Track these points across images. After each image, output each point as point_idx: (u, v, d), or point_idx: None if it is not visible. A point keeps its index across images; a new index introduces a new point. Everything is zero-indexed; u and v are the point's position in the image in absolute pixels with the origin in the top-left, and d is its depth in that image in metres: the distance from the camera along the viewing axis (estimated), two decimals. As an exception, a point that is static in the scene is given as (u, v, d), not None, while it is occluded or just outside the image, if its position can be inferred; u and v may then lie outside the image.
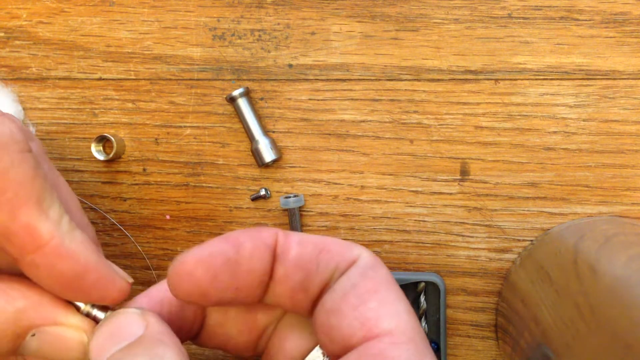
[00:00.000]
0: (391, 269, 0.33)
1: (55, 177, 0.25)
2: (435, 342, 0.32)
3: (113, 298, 0.23)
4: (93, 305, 0.23)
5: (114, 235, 0.34)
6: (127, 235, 0.34)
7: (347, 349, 0.20)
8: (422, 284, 0.32)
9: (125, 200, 0.34)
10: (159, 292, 0.23)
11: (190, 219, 0.34)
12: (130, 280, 0.23)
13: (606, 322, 0.21)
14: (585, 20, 0.32)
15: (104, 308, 0.23)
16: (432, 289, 0.32)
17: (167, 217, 0.34)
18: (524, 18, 0.32)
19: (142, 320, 0.21)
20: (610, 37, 0.31)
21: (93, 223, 0.34)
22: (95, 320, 0.23)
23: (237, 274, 0.21)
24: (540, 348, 0.30)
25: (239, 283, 0.21)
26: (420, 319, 0.32)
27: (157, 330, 0.21)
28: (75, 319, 0.22)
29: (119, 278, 0.23)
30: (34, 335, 0.22)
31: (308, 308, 0.22)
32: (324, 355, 0.23)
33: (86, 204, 0.34)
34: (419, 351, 0.20)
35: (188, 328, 0.24)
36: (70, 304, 0.22)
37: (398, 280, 0.31)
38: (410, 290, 0.32)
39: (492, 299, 0.33)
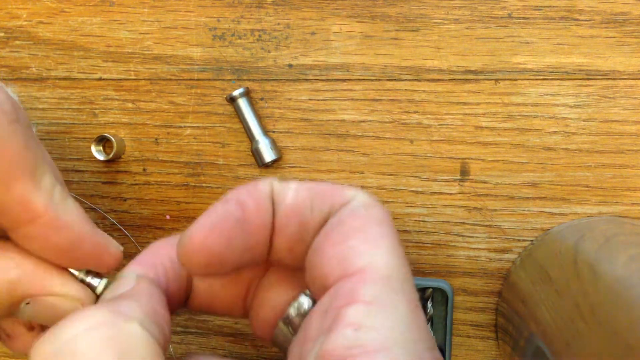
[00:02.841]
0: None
1: (40, 146, 0.24)
2: (441, 348, 0.32)
3: (107, 265, 0.23)
4: (87, 272, 0.23)
5: (114, 235, 0.34)
6: (127, 235, 0.34)
7: (326, 289, 0.20)
8: (430, 290, 0.32)
9: (125, 200, 0.34)
10: (152, 255, 0.23)
11: (190, 219, 0.34)
12: (121, 248, 0.23)
13: (606, 322, 0.21)
14: (586, 20, 0.32)
15: (97, 274, 0.23)
16: (439, 295, 0.32)
17: (167, 217, 0.34)
18: (524, 18, 0.32)
19: (134, 281, 0.21)
20: (611, 37, 0.31)
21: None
22: (90, 287, 0.23)
23: (249, 233, 0.20)
24: (533, 340, 0.30)
25: (252, 241, 0.21)
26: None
27: (140, 289, 0.21)
28: (70, 289, 0.22)
29: (112, 246, 0.23)
30: (28, 303, 0.22)
31: (305, 259, 0.21)
32: (310, 299, 0.22)
33: (86, 204, 0.34)
34: (392, 289, 0.19)
35: (181, 292, 0.23)
36: (65, 270, 0.22)
37: None
38: (418, 295, 0.32)
39: (492, 299, 0.33)
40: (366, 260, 0.19)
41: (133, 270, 0.22)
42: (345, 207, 0.21)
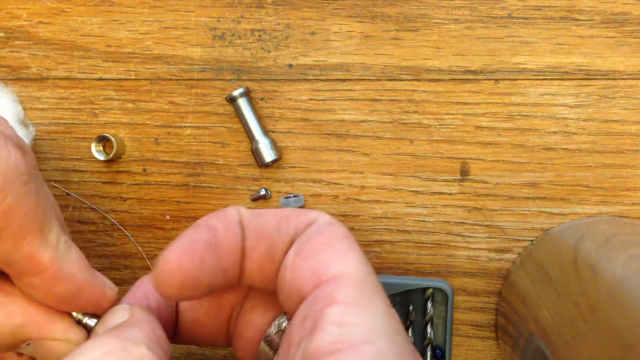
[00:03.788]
0: (391, 269, 0.33)
1: (49, 196, 0.25)
2: (440, 348, 0.32)
3: (104, 308, 0.24)
4: (84, 314, 0.24)
5: (114, 235, 0.34)
6: (127, 235, 0.34)
7: (302, 300, 0.21)
8: (430, 290, 0.32)
9: (125, 200, 0.34)
10: (142, 288, 0.24)
11: (190, 219, 0.34)
12: (116, 289, 0.25)
13: (606, 322, 0.21)
14: (586, 20, 0.32)
15: (94, 315, 0.24)
16: (439, 295, 0.32)
17: (167, 217, 0.34)
18: (524, 18, 0.32)
19: (128, 312, 0.22)
20: (611, 37, 0.31)
21: (93, 223, 0.34)
22: (86, 328, 0.24)
23: (220, 255, 0.22)
24: (533, 340, 0.30)
25: (224, 264, 0.22)
26: (426, 325, 0.32)
27: (139, 317, 0.22)
28: (70, 334, 0.23)
29: (108, 289, 0.24)
30: (29, 344, 0.23)
31: (275, 279, 0.23)
32: (288, 319, 0.23)
33: (86, 204, 0.34)
34: (367, 290, 0.20)
35: (171, 322, 0.25)
36: (66, 315, 0.24)
37: (405, 285, 0.31)
38: (418, 295, 0.32)
39: (492, 299, 0.33)
40: (338, 269, 0.21)
41: (126, 303, 0.24)
42: (310, 227, 0.22)
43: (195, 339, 0.25)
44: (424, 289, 0.32)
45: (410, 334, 0.32)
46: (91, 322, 0.24)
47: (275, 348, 0.24)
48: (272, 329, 0.24)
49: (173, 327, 0.25)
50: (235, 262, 0.22)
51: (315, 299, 0.20)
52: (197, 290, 0.21)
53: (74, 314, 0.24)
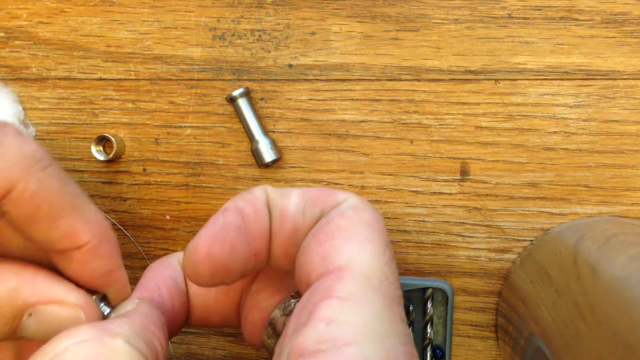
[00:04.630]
0: (391, 269, 0.33)
1: (74, 183, 0.26)
2: (440, 348, 0.32)
3: (128, 294, 0.24)
4: (102, 299, 0.24)
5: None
6: (127, 235, 0.34)
7: (309, 287, 0.20)
8: (430, 290, 0.32)
9: (125, 201, 0.34)
10: (152, 278, 0.24)
11: (190, 219, 0.34)
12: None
13: (606, 322, 0.21)
14: (586, 20, 0.32)
15: (109, 303, 0.24)
16: (440, 295, 0.32)
17: (167, 217, 0.34)
18: (524, 18, 0.32)
19: (134, 305, 0.22)
20: (611, 37, 0.31)
21: (93, 223, 0.34)
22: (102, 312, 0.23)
23: (250, 240, 0.21)
24: (533, 340, 0.30)
25: (255, 248, 0.21)
26: (425, 325, 0.32)
27: (139, 310, 0.22)
28: (71, 294, 0.23)
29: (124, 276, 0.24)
30: (30, 315, 0.22)
31: None
32: (297, 300, 0.23)
33: (86, 204, 0.34)
34: (370, 287, 0.19)
35: (185, 307, 0.24)
36: (67, 280, 0.23)
37: (405, 286, 0.31)
38: (418, 295, 0.32)
39: (492, 299, 0.33)
40: (347, 258, 0.19)
41: (138, 296, 0.23)
42: (335, 209, 0.21)
43: (207, 323, 0.25)
44: (424, 289, 0.32)
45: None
46: (105, 309, 0.23)
47: (278, 333, 0.23)
48: (277, 312, 0.23)
49: (186, 313, 0.24)
50: (265, 246, 0.21)
51: (316, 289, 0.19)
52: (229, 276, 0.21)
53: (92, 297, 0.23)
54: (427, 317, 0.32)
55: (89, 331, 0.19)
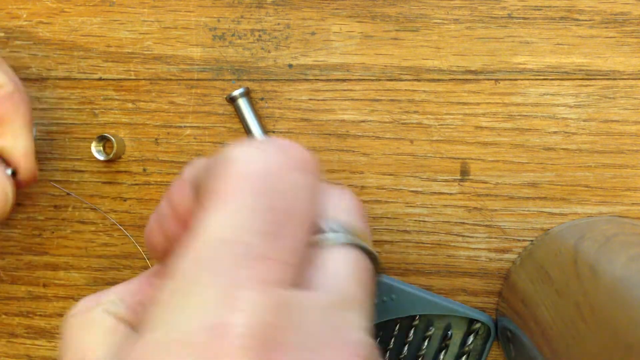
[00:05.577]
0: (391, 269, 0.33)
1: None
2: None
3: (21, 169, 0.29)
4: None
5: (114, 235, 0.34)
6: (127, 235, 0.34)
7: None
8: (479, 325, 0.31)
9: (125, 200, 0.34)
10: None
11: (190, 219, 0.34)
12: (38, 174, 0.31)
13: (606, 322, 0.21)
14: (586, 20, 0.32)
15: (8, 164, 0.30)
16: (483, 329, 0.32)
17: (167, 217, 0.34)
18: (524, 18, 0.32)
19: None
20: (611, 37, 0.31)
21: (93, 223, 0.34)
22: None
23: (182, 221, 0.20)
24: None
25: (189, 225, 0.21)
26: (461, 355, 0.32)
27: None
28: None
29: (33, 161, 0.30)
30: None
31: None
32: None
33: (86, 203, 0.34)
34: (211, 264, 0.16)
35: None
36: None
37: (452, 311, 0.31)
38: (464, 324, 0.32)
39: (492, 299, 0.33)
40: (200, 221, 0.17)
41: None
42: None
43: None
44: (471, 321, 0.32)
45: (441, 357, 0.32)
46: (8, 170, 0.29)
47: None
48: None
49: None
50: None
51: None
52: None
53: None
54: (466, 349, 0.32)
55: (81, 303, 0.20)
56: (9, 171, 0.30)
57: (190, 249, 0.15)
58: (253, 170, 0.17)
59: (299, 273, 0.16)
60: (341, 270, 0.18)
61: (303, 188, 0.18)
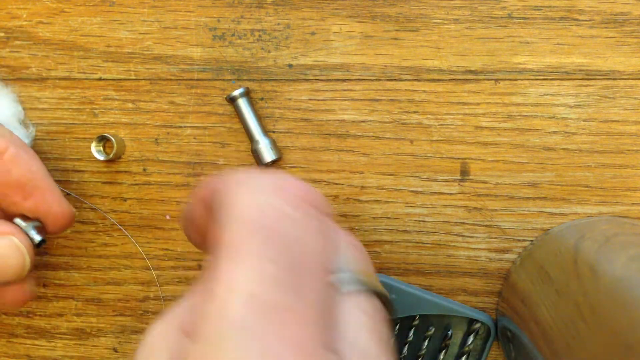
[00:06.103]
0: (391, 269, 0.33)
1: None
2: None
3: (56, 217, 0.26)
4: (34, 227, 0.26)
5: (114, 235, 0.34)
6: (127, 235, 0.34)
7: None
8: (478, 325, 0.32)
9: (125, 201, 0.34)
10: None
11: (190, 219, 0.34)
12: (74, 211, 0.28)
13: (606, 322, 0.21)
14: (585, 20, 0.32)
15: (41, 231, 0.26)
16: (482, 330, 0.32)
17: (167, 217, 0.34)
18: (524, 18, 0.32)
19: None
20: (611, 37, 0.31)
21: (93, 223, 0.34)
22: (31, 240, 0.26)
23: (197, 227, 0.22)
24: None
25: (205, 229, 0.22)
26: (461, 355, 0.32)
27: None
28: (4, 226, 0.26)
29: (66, 203, 0.27)
30: None
31: None
32: None
33: (86, 203, 0.34)
34: (234, 326, 0.15)
35: None
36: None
37: (451, 311, 0.31)
38: (464, 324, 0.32)
39: (492, 299, 0.33)
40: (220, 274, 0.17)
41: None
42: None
43: None
44: (469, 320, 0.32)
45: (441, 357, 0.32)
46: (37, 236, 0.26)
47: None
48: None
49: None
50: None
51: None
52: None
53: (23, 224, 0.26)
54: (466, 349, 0.32)
55: None
56: (38, 237, 0.27)
57: (215, 305, 0.15)
58: (260, 218, 0.16)
59: (325, 326, 0.16)
60: (361, 328, 0.17)
61: (314, 231, 0.17)
